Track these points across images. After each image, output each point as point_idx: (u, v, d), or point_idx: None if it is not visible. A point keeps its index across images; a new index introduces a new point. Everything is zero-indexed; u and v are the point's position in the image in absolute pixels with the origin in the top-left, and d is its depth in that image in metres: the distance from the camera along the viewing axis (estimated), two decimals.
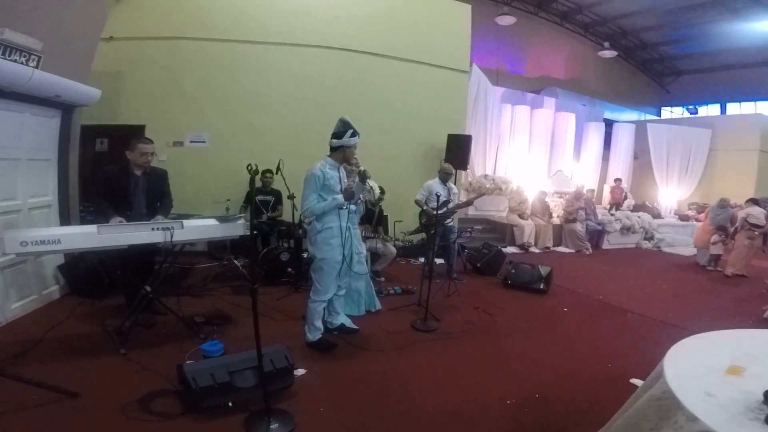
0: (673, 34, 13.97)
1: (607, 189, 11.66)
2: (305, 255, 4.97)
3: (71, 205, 4.20)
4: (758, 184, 10.73)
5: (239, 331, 3.42)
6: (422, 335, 3.64)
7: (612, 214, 9.24)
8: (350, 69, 6.68)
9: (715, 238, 7.00)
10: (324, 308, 3.31)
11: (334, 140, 3.12)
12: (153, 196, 3.45)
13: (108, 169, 3.40)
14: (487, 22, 11.67)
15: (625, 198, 11.00)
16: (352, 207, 3.27)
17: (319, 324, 3.23)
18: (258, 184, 5.46)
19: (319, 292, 3.18)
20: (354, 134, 3.11)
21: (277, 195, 5.68)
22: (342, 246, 3.15)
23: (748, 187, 10.62)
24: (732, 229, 6.83)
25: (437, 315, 3.96)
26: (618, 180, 11.29)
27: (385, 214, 5.70)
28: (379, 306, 4.06)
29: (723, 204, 7.20)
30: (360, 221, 3.83)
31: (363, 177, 3.12)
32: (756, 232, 6.47)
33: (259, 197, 5.59)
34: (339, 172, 3.19)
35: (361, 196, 3.34)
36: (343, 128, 3.11)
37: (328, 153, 3.21)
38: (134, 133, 5.54)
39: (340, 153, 3.15)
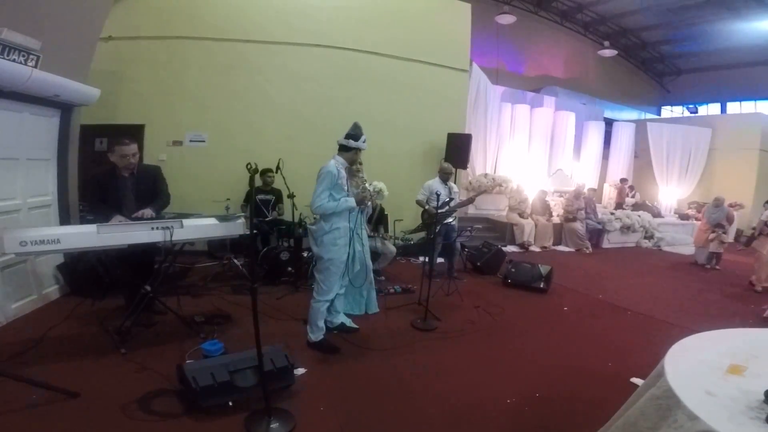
0: (674, 33, 13.96)
1: (607, 188, 11.65)
2: (305, 254, 4.97)
3: (71, 205, 4.20)
4: (758, 184, 10.73)
5: (239, 330, 3.42)
6: (422, 334, 3.65)
7: (612, 213, 9.24)
8: (350, 68, 6.67)
9: (713, 236, 7.01)
10: (326, 308, 3.31)
11: (352, 141, 3.16)
12: (143, 196, 3.35)
13: (96, 173, 3.37)
14: (487, 20, 11.65)
15: (633, 196, 11.01)
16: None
17: (321, 324, 3.24)
18: (258, 183, 5.45)
19: (323, 291, 3.19)
20: (365, 140, 3.20)
21: (278, 194, 5.67)
22: (348, 246, 3.17)
23: (748, 187, 10.64)
24: (750, 235, 6.42)
25: (437, 314, 3.97)
26: (624, 180, 11.29)
27: (385, 213, 5.69)
28: (376, 309, 3.85)
29: (717, 203, 7.26)
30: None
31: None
32: None
33: (260, 196, 5.58)
34: (345, 172, 3.22)
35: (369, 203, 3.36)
36: (358, 132, 3.18)
37: (337, 152, 3.23)
38: (134, 132, 5.54)
39: (351, 154, 3.19)
